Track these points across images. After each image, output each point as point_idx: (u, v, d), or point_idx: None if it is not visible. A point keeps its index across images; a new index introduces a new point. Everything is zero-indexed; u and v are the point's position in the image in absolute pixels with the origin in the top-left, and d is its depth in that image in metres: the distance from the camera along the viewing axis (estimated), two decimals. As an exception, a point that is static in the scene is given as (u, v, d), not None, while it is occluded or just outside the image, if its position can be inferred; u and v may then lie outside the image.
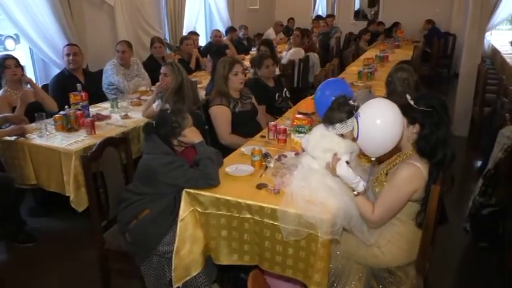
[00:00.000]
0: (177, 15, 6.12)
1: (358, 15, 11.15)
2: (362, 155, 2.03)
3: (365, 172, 2.00)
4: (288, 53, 5.56)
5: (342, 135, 1.88)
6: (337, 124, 1.86)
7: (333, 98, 1.94)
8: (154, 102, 3.19)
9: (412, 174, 1.74)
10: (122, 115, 3.36)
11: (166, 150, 2.06)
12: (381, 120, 1.70)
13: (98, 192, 2.29)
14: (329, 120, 1.89)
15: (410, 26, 8.70)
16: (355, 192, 1.81)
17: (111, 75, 4.06)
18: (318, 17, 9.10)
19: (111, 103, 3.58)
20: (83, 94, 3.29)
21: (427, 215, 1.78)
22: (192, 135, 2.14)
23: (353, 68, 5.31)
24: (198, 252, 2.05)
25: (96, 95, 3.84)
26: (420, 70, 6.67)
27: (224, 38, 6.77)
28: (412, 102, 1.80)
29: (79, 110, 3.18)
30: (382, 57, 5.79)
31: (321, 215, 1.77)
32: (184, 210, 2.03)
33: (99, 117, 3.28)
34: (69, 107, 3.20)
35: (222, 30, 7.17)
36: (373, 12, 11.05)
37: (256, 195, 1.98)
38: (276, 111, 3.54)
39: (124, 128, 3.10)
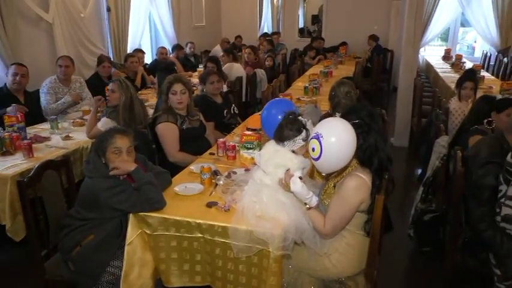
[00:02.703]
0: (120, 32, 5.99)
1: (303, 32, 11.56)
2: (317, 172, 2.09)
3: (315, 186, 2.05)
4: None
5: (293, 151, 1.91)
6: (286, 142, 1.89)
7: (283, 114, 1.97)
8: (96, 120, 3.08)
9: (358, 185, 1.80)
10: (63, 136, 3.20)
11: (106, 173, 1.97)
12: (342, 140, 1.74)
13: (37, 220, 2.15)
14: (279, 137, 1.91)
15: (353, 42, 9.12)
16: (307, 206, 1.84)
17: (43, 92, 3.88)
18: (265, 34, 9.30)
19: (50, 124, 3.40)
20: (19, 115, 3.11)
21: (373, 224, 1.84)
22: (123, 165, 2.00)
23: (299, 84, 5.45)
24: (147, 276, 1.98)
25: (39, 116, 3.64)
26: (362, 85, 7.00)
27: (171, 56, 6.72)
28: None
29: (15, 132, 2.99)
30: (326, 73, 6.01)
31: (272, 231, 1.78)
32: (132, 233, 1.95)
33: (38, 139, 3.11)
34: (4, 129, 3.00)
35: (168, 47, 7.12)
36: (316, 29, 11.51)
37: (206, 214, 1.95)
38: (225, 128, 3.54)
39: (65, 150, 2.95)
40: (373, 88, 7.20)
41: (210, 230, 1.89)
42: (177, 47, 6.92)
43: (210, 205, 2.02)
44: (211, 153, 2.83)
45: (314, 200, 1.82)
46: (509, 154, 1.99)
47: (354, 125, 1.82)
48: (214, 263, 1.93)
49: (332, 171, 1.85)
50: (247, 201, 1.90)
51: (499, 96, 3.18)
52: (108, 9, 5.84)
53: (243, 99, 5.44)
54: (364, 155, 1.84)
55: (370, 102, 4.65)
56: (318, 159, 1.76)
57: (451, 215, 2.29)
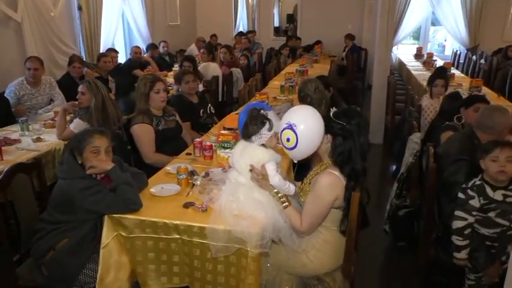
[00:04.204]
0: (92, 32, 5.86)
1: (279, 31, 11.60)
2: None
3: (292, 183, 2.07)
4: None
5: (263, 146, 1.92)
6: (253, 137, 1.91)
7: (247, 114, 1.98)
8: (66, 122, 3.01)
9: (331, 182, 1.83)
10: (34, 138, 3.11)
11: (82, 174, 1.93)
12: (313, 126, 1.81)
13: (8, 224, 2.08)
14: (246, 134, 1.93)
15: (329, 42, 9.21)
16: (284, 205, 1.86)
17: (6, 94, 3.77)
18: (240, 34, 9.28)
19: (20, 126, 3.29)
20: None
21: (349, 221, 1.87)
22: (100, 163, 1.98)
23: (275, 83, 5.47)
24: (123, 279, 1.95)
25: (10, 118, 3.54)
26: (337, 83, 7.08)
27: (145, 55, 6.62)
28: (331, 115, 1.90)
29: (-18, 135, 2.89)
30: (302, 71, 6.04)
31: (249, 229, 1.78)
32: (107, 235, 1.92)
33: (7, 142, 3.01)
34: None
35: (143, 46, 7.02)
36: (290, 28, 11.57)
37: (183, 215, 1.94)
38: (202, 128, 3.52)
39: (37, 152, 2.87)
40: (348, 86, 7.29)
41: (188, 231, 1.87)
42: (151, 46, 6.83)
43: (187, 206, 2.01)
44: (187, 154, 2.80)
45: (292, 188, 1.89)
46: None
47: (337, 125, 1.84)
48: (193, 263, 1.92)
49: (302, 157, 1.90)
50: (224, 200, 1.90)
51: (463, 92, 3.27)
52: (80, 8, 5.70)
53: (220, 99, 5.41)
54: (337, 159, 1.86)
55: (345, 101, 4.73)
56: (294, 148, 1.80)
57: (425, 210, 2.35)
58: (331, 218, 1.92)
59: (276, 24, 11.92)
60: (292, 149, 1.83)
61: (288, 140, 1.82)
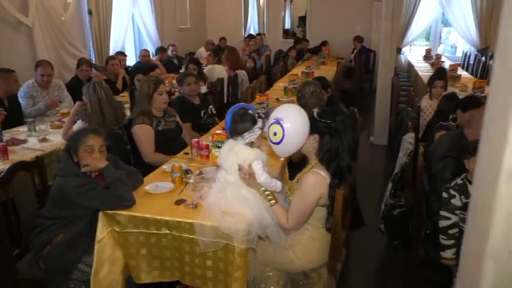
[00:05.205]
0: (102, 35, 6.01)
1: (288, 33, 11.65)
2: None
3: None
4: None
5: (250, 144, 1.98)
6: (246, 133, 1.96)
7: (231, 113, 2.04)
8: (73, 123, 3.12)
9: (315, 181, 1.87)
10: (40, 138, 3.23)
11: (77, 172, 2.02)
12: (300, 123, 1.87)
13: (9, 220, 2.18)
14: (236, 132, 1.98)
15: (337, 44, 9.23)
16: (271, 202, 1.92)
17: (20, 97, 3.91)
18: (250, 36, 9.37)
19: (28, 126, 3.42)
20: (-5, 118, 3.14)
21: (334, 218, 1.91)
22: (94, 161, 2.05)
23: (280, 84, 5.52)
24: (117, 273, 2.03)
25: (20, 119, 3.68)
26: (343, 85, 7.10)
27: (154, 58, 6.75)
28: (315, 114, 1.95)
29: (-10, 135, 3.02)
30: (307, 73, 6.07)
31: (236, 225, 1.85)
32: (102, 231, 2.00)
33: (14, 142, 3.13)
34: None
35: (152, 49, 7.15)
36: (301, 30, 11.60)
37: (174, 211, 2.01)
38: (202, 128, 3.59)
39: (41, 151, 2.98)
40: (355, 88, 7.29)
41: (178, 227, 1.95)
42: (160, 50, 6.95)
43: (178, 203, 2.08)
44: (185, 153, 2.88)
45: (279, 185, 1.96)
46: None
47: (322, 124, 1.90)
48: (183, 258, 1.99)
49: (290, 154, 1.98)
50: (213, 197, 1.97)
51: (459, 93, 3.26)
52: (90, 12, 5.85)
53: (225, 101, 5.49)
54: (324, 156, 1.91)
55: (351, 102, 4.76)
56: (279, 142, 1.86)
57: (414, 208, 2.37)
58: (317, 216, 1.96)
59: (288, 26, 11.98)
60: (278, 143, 1.88)
61: (274, 134, 1.88)
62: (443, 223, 2.06)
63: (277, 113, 1.90)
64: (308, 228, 1.98)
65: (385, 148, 5.30)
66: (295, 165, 2.61)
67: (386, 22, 5.43)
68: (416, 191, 2.30)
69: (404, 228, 2.78)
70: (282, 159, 2.43)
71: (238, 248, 1.86)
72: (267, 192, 1.95)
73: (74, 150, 2.04)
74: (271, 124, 1.88)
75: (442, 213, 2.06)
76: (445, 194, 2.05)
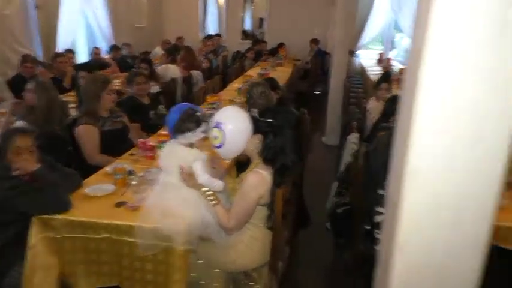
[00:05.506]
0: (50, 31, 5.77)
1: (248, 35, 11.68)
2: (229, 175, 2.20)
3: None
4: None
5: (190, 145, 1.97)
6: (188, 133, 1.95)
7: (178, 112, 2.02)
8: (12, 123, 2.97)
9: (256, 180, 1.89)
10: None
11: (7, 174, 1.91)
12: (240, 126, 1.88)
13: None
14: (180, 130, 1.96)
15: (295, 46, 9.35)
16: (213, 203, 1.91)
17: None
18: (208, 36, 9.32)
19: (-39, 127, 3.22)
20: None
21: (275, 217, 1.93)
22: (25, 164, 1.95)
23: (234, 85, 5.52)
24: (51, 281, 1.95)
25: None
26: (299, 87, 7.21)
27: (107, 56, 6.56)
28: (257, 115, 1.97)
29: None
30: (263, 74, 6.11)
31: (176, 227, 1.83)
32: (35, 237, 1.91)
33: None
34: None
35: (106, 47, 6.95)
36: (261, 32, 11.68)
37: (114, 214, 1.96)
38: (152, 129, 3.52)
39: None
40: (310, 89, 7.42)
41: (117, 230, 1.90)
42: (113, 48, 6.77)
43: (119, 205, 2.03)
44: (131, 154, 2.81)
45: (220, 184, 1.95)
46: None
47: (265, 123, 1.91)
48: (122, 262, 1.94)
49: (234, 156, 1.99)
50: (154, 199, 1.94)
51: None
52: (37, 6, 5.60)
53: (179, 101, 5.42)
54: (268, 154, 1.92)
55: (306, 103, 4.84)
56: (220, 146, 1.86)
57: (354, 206, 2.45)
58: (258, 215, 1.98)
59: (249, 27, 12.02)
60: (219, 147, 1.89)
61: (215, 138, 1.89)
62: (378, 218, 2.14)
63: (217, 116, 1.90)
64: (250, 228, 1.99)
65: (337, 148, 5.43)
66: (242, 164, 2.62)
67: (339, 25, 5.58)
68: (354, 188, 2.37)
69: (349, 225, 2.86)
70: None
71: (179, 250, 1.84)
72: (208, 193, 1.94)
73: (3, 151, 1.94)
74: (212, 128, 1.89)
75: (378, 209, 2.14)
76: (381, 191, 2.12)
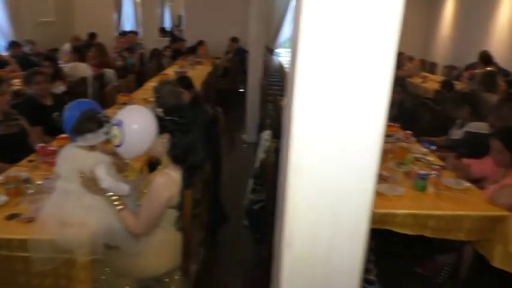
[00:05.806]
0: None
1: (166, 32, 11.38)
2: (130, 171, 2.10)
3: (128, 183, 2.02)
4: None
5: (91, 148, 1.85)
6: (88, 135, 1.84)
7: (78, 111, 1.91)
8: None
9: (165, 182, 1.83)
10: None
11: None
12: (143, 125, 1.79)
13: None
14: (79, 131, 1.85)
15: (214, 44, 9.28)
16: (119, 208, 1.82)
17: None
18: (122, 33, 8.91)
19: None
20: None
21: (184, 218, 1.89)
22: None
23: (150, 84, 5.32)
24: None
25: None
26: (219, 85, 7.20)
27: (5, 54, 5.97)
28: (161, 114, 1.90)
29: None
30: (180, 73, 5.99)
31: (77, 237, 1.71)
32: None
33: None
34: None
35: (4, 44, 6.32)
36: (180, 30, 11.46)
37: (4, 228, 1.79)
38: (57, 132, 3.27)
39: None
40: (230, 87, 7.45)
41: (8, 245, 1.73)
42: (12, 45, 6.18)
43: (10, 217, 1.85)
44: (30, 161, 2.58)
45: (126, 188, 1.86)
46: None
47: (172, 122, 1.85)
48: (17, 280, 1.77)
49: (137, 155, 1.90)
50: (50, 208, 1.80)
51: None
52: None
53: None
54: (175, 154, 1.87)
55: (227, 101, 4.80)
56: (119, 145, 1.78)
57: (267, 202, 2.49)
58: (168, 218, 1.92)
59: (168, 24, 11.71)
60: (119, 145, 1.81)
61: (114, 136, 1.80)
62: None
63: (118, 115, 1.82)
64: (158, 231, 1.91)
65: (255, 145, 5.51)
66: (154, 165, 2.53)
67: (253, 23, 5.65)
68: (265, 185, 2.41)
69: (264, 221, 2.90)
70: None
71: (81, 261, 1.72)
72: (114, 198, 1.84)
73: None
74: (111, 126, 1.79)
75: None
76: None
